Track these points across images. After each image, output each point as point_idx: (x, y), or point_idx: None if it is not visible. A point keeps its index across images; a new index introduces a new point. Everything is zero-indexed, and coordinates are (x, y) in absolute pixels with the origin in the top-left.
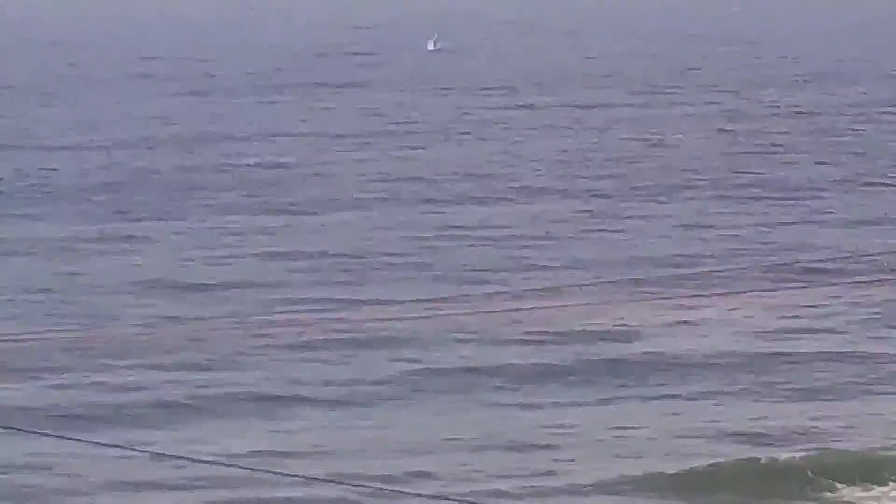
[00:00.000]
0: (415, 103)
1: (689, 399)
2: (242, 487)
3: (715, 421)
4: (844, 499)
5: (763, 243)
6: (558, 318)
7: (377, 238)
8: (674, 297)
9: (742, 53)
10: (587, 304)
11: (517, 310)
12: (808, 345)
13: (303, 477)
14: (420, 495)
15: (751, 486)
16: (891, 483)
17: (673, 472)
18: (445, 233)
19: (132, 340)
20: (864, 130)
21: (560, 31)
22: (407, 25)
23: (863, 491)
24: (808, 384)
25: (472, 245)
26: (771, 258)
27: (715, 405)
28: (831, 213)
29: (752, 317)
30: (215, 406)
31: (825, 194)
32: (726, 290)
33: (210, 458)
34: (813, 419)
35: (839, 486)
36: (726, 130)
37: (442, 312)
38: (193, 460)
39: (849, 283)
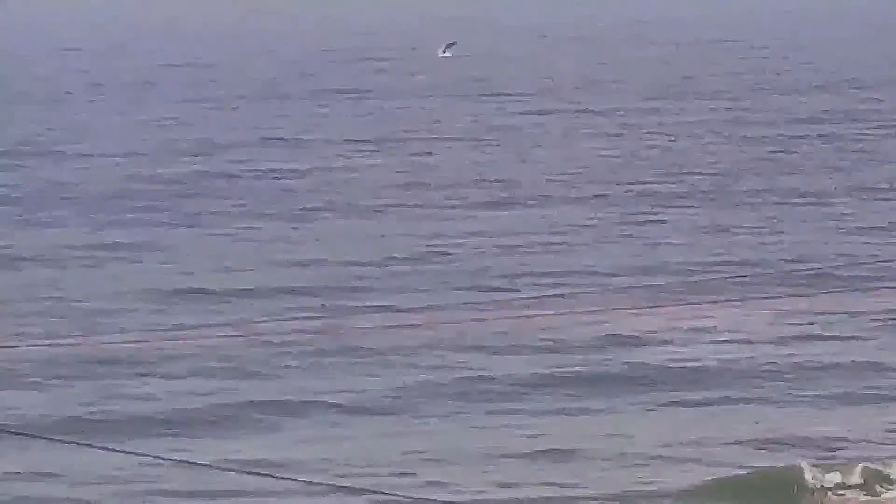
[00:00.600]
0: (426, 110)
1: (702, 407)
2: (253, 495)
3: (728, 429)
4: None
5: (776, 250)
6: (569, 325)
7: (389, 245)
8: (685, 305)
9: (755, 59)
10: (599, 310)
11: (528, 317)
12: (821, 352)
13: (310, 483)
14: (429, 501)
15: (763, 495)
16: None
17: (686, 481)
18: (458, 240)
19: (141, 349)
20: (876, 137)
21: (571, 38)
22: (417, 31)
23: (874, 499)
24: (821, 393)
25: (485, 251)
26: (783, 265)
27: (728, 414)
28: (845, 219)
29: (765, 324)
30: (225, 413)
31: (838, 201)
32: (738, 297)
33: (220, 466)
34: (826, 427)
35: (851, 495)
36: (740, 137)
37: (453, 319)
38: (201, 465)
39: (862, 290)
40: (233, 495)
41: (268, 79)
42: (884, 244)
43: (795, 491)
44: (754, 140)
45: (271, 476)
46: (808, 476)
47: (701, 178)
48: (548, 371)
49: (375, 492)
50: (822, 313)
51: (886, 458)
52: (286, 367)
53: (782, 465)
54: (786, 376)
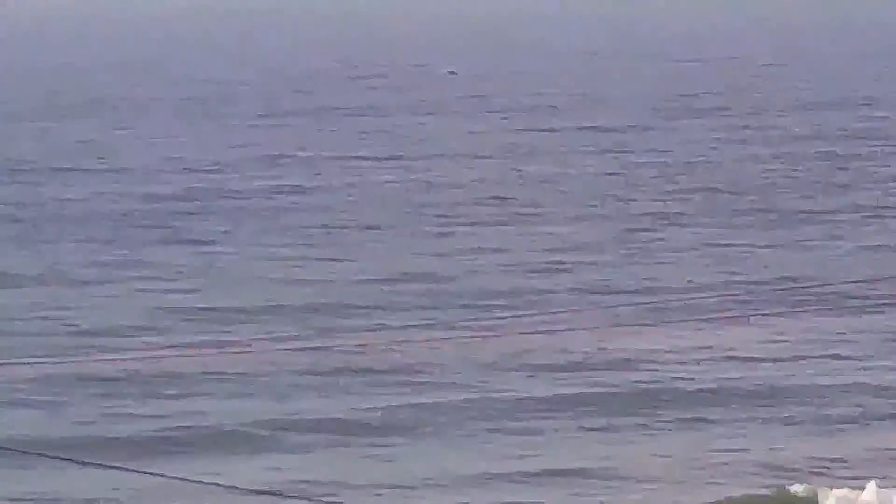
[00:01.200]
0: (431, 127)
1: (704, 429)
2: None
3: (730, 451)
4: None
5: (777, 268)
6: (569, 344)
7: (388, 263)
8: (688, 324)
9: (758, 76)
10: (599, 329)
11: (525, 334)
12: (824, 373)
13: (313, 501)
14: None
15: None
16: None
17: (692, 501)
18: (457, 258)
19: (141, 368)
20: (880, 155)
21: (576, 54)
22: (421, 48)
23: None
24: (824, 414)
25: (489, 270)
26: (785, 283)
27: (730, 435)
28: (847, 238)
29: (767, 343)
30: (228, 433)
31: (839, 219)
32: (740, 316)
33: (224, 485)
34: (829, 450)
35: None
36: (740, 154)
37: (456, 338)
38: (206, 484)
39: (867, 309)
40: None
41: (267, 96)
42: (886, 263)
43: None
44: (755, 158)
45: (280, 494)
46: (812, 500)
47: (705, 195)
48: (548, 391)
49: None
50: (825, 333)
51: (891, 481)
52: (288, 386)
53: (786, 487)
54: (790, 398)
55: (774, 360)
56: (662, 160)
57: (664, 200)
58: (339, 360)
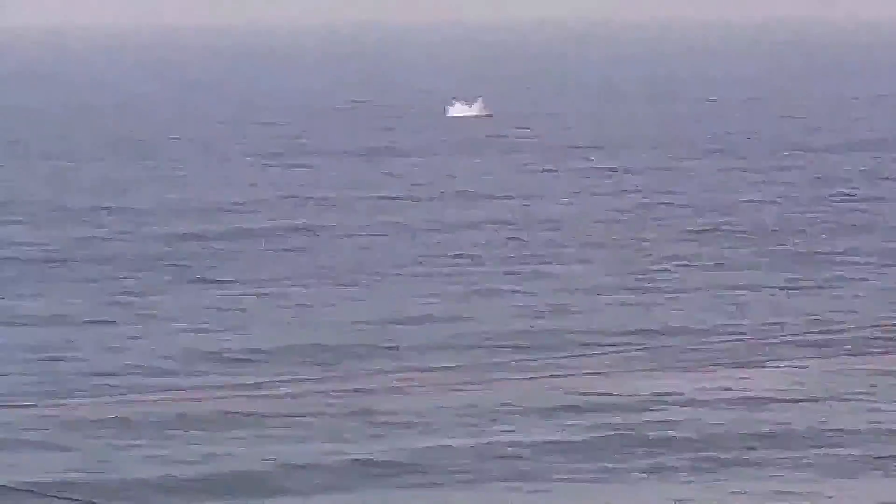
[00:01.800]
0: (438, 167)
1: (711, 471)
2: None
3: (737, 493)
4: None
5: (790, 312)
6: (581, 387)
7: (401, 306)
8: (699, 367)
9: (782, 119)
10: (609, 372)
11: (538, 378)
12: (837, 416)
13: None
14: None
15: None
16: None
17: None
18: (476, 300)
19: (159, 409)
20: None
21: (595, 94)
22: (441, 85)
23: None
24: (831, 458)
25: (500, 312)
26: (798, 327)
27: (744, 476)
28: (871, 281)
29: (779, 386)
30: (246, 475)
31: (861, 261)
32: (752, 359)
33: None
34: (837, 497)
35: None
36: (756, 197)
37: (463, 382)
38: None
39: (880, 352)
40: None
41: (282, 136)
42: None
43: None
44: (773, 199)
45: None
46: None
47: (714, 237)
48: (560, 435)
49: None
50: (842, 375)
51: None
52: (301, 427)
53: None
54: (796, 442)
55: (790, 403)
56: (678, 201)
57: (675, 241)
58: (352, 401)
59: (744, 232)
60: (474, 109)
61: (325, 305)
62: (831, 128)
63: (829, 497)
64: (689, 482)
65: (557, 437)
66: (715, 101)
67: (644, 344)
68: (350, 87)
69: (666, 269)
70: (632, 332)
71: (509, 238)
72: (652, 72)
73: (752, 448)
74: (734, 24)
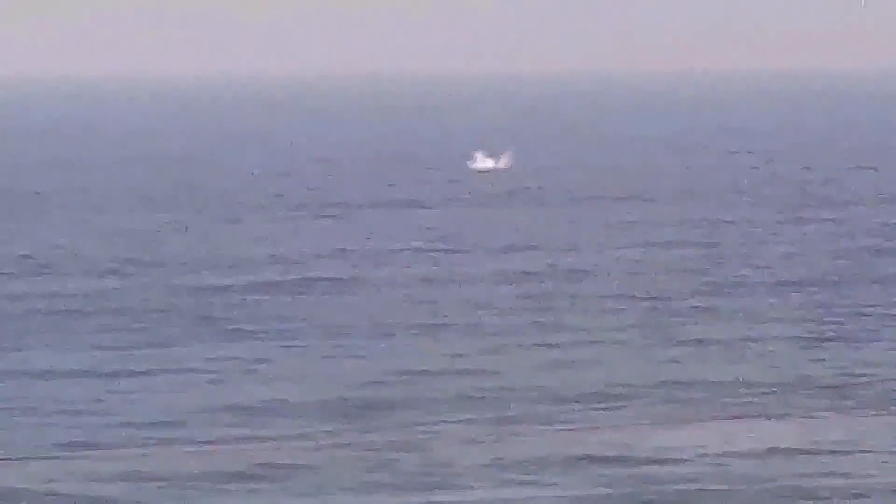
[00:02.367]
0: (461, 220)
1: None
2: None
3: None
4: None
5: (809, 364)
6: (604, 440)
7: (416, 362)
8: (721, 419)
9: (819, 171)
10: (626, 426)
11: (563, 430)
12: (857, 470)
13: None
14: None
15: None
16: None
17: None
18: (492, 354)
19: (180, 462)
20: None
21: (631, 140)
22: (448, 143)
23: None
24: None
25: (517, 366)
26: (817, 380)
27: None
28: (880, 335)
29: (798, 440)
30: None
31: (884, 313)
32: (772, 413)
33: None
34: None
35: None
36: (779, 251)
37: (476, 439)
38: None
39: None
40: None
41: (305, 189)
42: None
43: None
44: (795, 253)
45: None
46: None
47: (731, 290)
48: (581, 490)
49: None
50: (858, 429)
51: None
52: (321, 482)
53: None
54: (822, 495)
55: (806, 456)
56: (700, 252)
57: (695, 296)
58: (372, 456)
59: (768, 283)
60: (497, 162)
61: (349, 357)
62: (855, 179)
63: None
64: None
65: (578, 491)
66: (736, 152)
67: (667, 396)
68: (376, 138)
69: (690, 321)
70: (655, 385)
71: (532, 290)
72: (673, 123)
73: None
74: (757, 74)
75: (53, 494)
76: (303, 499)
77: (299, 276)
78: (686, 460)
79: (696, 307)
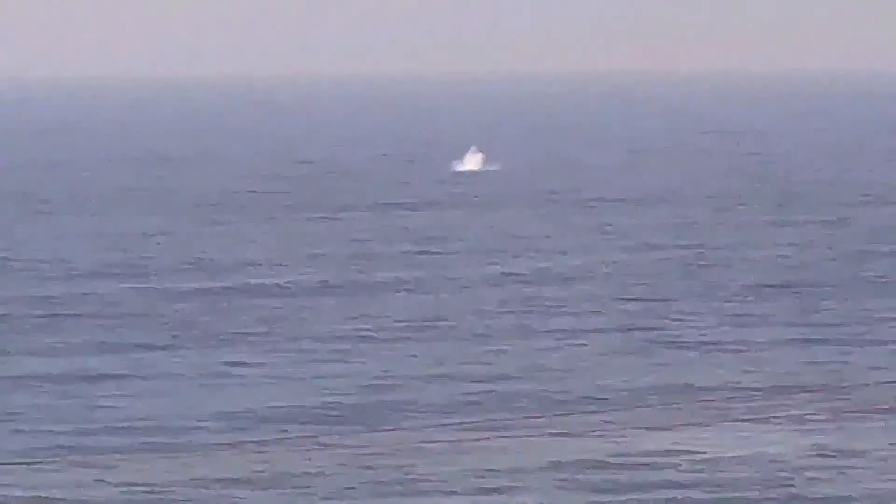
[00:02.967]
0: (447, 222)
1: None
2: None
3: None
4: None
5: (801, 368)
6: (583, 447)
7: (416, 365)
8: (701, 424)
9: (811, 172)
10: (621, 429)
11: (557, 435)
12: (848, 474)
13: None
14: None
15: None
16: None
17: None
18: (485, 359)
19: (172, 468)
20: None
21: (604, 146)
22: (440, 144)
23: None
24: None
25: (509, 371)
26: (810, 383)
27: None
28: (870, 340)
29: (792, 442)
30: None
31: (861, 318)
32: (753, 418)
33: None
34: None
35: None
36: (765, 254)
37: (473, 441)
38: None
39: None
40: None
41: (296, 191)
42: None
43: None
44: (782, 257)
45: None
46: None
47: (720, 293)
48: (566, 497)
49: None
50: (850, 432)
51: None
52: (310, 485)
53: None
54: (813, 498)
55: (802, 459)
56: (691, 255)
57: (687, 297)
58: (354, 461)
59: (756, 286)
60: (484, 164)
61: (332, 362)
62: (841, 180)
63: None
64: None
65: (564, 497)
66: (723, 153)
67: (654, 401)
68: (361, 139)
69: (677, 325)
70: (642, 390)
71: (517, 294)
72: (668, 124)
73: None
74: (758, 74)
75: (37, 499)
76: None
77: (283, 280)
78: (675, 465)
79: (683, 310)
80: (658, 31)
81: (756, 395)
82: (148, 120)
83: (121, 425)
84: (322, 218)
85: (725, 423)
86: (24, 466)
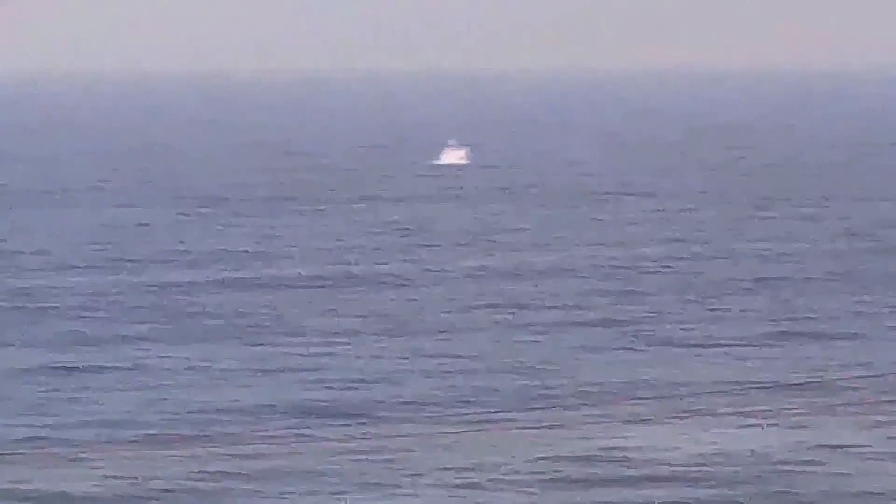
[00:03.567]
0: (424, 216)
1: None
2: None
3: None
4: None
5: (781, 365)
6: (566, 443)
7: (391, 362)
8: (702, 421)
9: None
10: (595, 427)
11: (550, 427)
12: (824, 474)
13: None
14: None
15: None
16: None
17: None
18: (461, 359)
19: (130, 457)
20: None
21: (586, 141)
22: (409, 142)
23: None
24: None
25: (490, 368)
26: (790, 378)
27: None
28: (856, 336)
29: (767, 442)
30: None
31: (846, 315)
32: (737, 413)
33: None
34: None
35: None
36: (742, 252)
37: (453, 435)
38: None
39: (874, 403)
40: None
41: (277, 185)
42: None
43: None
44: (760, 256)
45: None
46: None
47: (704, 289)
48: (548, 492)
49: None
50: (835, 429)
51: None
52: (289, 480)
53: None
54: (800, 494)
55: (787, 455)
56: (673, 250)
57: (671, 293)
58: (335, 457)
59: (740, 281)
60: (462, 158)
61: (315, 357)
62: (827, 177)
63: None
64: None
65: (546, 493)
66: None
67: (637, 396)
68: (344, 133)
69: (661, 320)
70: (625, 385)
71: (499, 288)
72: (651, 120)
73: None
74: (738, 71)
75: (20, 490)
76: (266, 499)
77: (263, 274)
78: (656, 460)
79: (665, 305)
80: (642, 28)
81: (738, 391)
82: (131, 114)
83: (100, 418)
84: (301, 212)
85: (707, 419)
86: (4, 457)
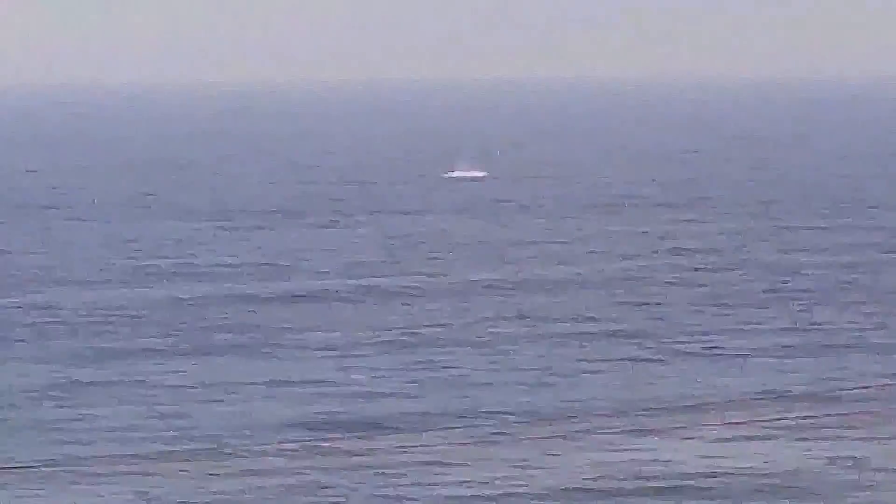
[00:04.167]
0: (436, 229)
1: None
2: None
3: None
4: None
5: (785, 375)
6: (573, 454)
7: (396, 376)
8: (698, 431)
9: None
10: (602, 439)
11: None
12: (833, 479)
13: None
14: None
15: None
16: None
17: None
18: (455, 371)
19: (129, 470)
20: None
21: (597, 153)
22: (421, 153)
23: None
24: None
25: (492, 381)
26: (793, 388)
27: None
28: (853, 343)
29: (774, 454)
30: None
31: (852, 326)
32: (746, 424)
33: None
34: None
35: None
36: (739, 259)
37: (462, 449)
38: None
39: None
40: None
41: (289, 198)
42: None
43: None
44: (775, 267)
45: None
46: None
47: (713, 301)
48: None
49: None
50: (845, 440)
51: None
52: (291, 496)
53: None
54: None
55: (793, 468)
56: (690, 264)
57: (683, 305)
58: (336, 474)
59: (749, 293)
60: (475, 170)
61: (321, 370)
62: (834, 188)
63: None
64: None
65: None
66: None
67: (645, 408)
68: (354, 144)
69: (670, 332)
70: (633, 397)
71: (512, 301)
72: (665, 129)
73: None
74: (748, 81)
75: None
76: None
77: (277, 288)
78: (666, 473)
79: (676, 317)
80: (657, 37)
81: (748, 403)
82: (141, 126)
83: (110, 433)
84: (317, 226)
85: (721, 430)
86: (11, 473)
